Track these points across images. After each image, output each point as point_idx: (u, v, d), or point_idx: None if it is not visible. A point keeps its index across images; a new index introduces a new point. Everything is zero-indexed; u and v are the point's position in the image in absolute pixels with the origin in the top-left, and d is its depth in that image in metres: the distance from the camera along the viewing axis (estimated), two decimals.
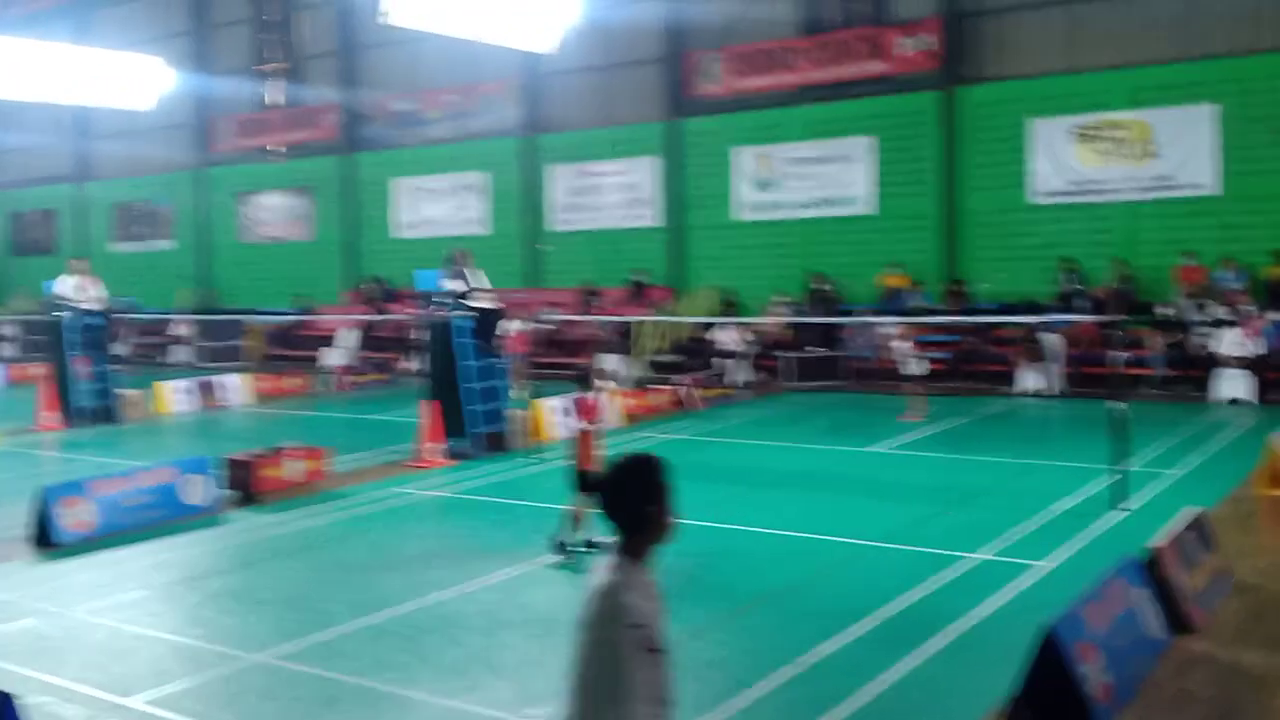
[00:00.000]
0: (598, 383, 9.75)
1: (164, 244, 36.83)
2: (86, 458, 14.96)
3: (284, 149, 33.89)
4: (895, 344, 17.89)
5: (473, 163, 29.75)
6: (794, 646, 6.86)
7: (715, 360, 22.39)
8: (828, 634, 7.06)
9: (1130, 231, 21.55)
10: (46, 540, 10.05)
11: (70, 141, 38.02)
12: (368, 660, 6.89)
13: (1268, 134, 20.11)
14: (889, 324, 21.66)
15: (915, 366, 17.46)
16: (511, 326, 21.56)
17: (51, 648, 7.27)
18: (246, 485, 11.79)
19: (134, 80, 25.87)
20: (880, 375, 22.02)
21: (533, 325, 23.73)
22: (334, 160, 32.33)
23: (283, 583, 8.75)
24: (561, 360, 24.87)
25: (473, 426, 14.27)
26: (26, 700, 5.57)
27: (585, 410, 9.42)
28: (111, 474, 11.00)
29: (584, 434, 9.31)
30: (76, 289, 18.53)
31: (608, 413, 10.12)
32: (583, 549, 9.11)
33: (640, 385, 19.48)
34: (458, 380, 14.29)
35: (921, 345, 18.73)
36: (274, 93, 33.93)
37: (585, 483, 9.16)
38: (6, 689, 5.10)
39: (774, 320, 22.89)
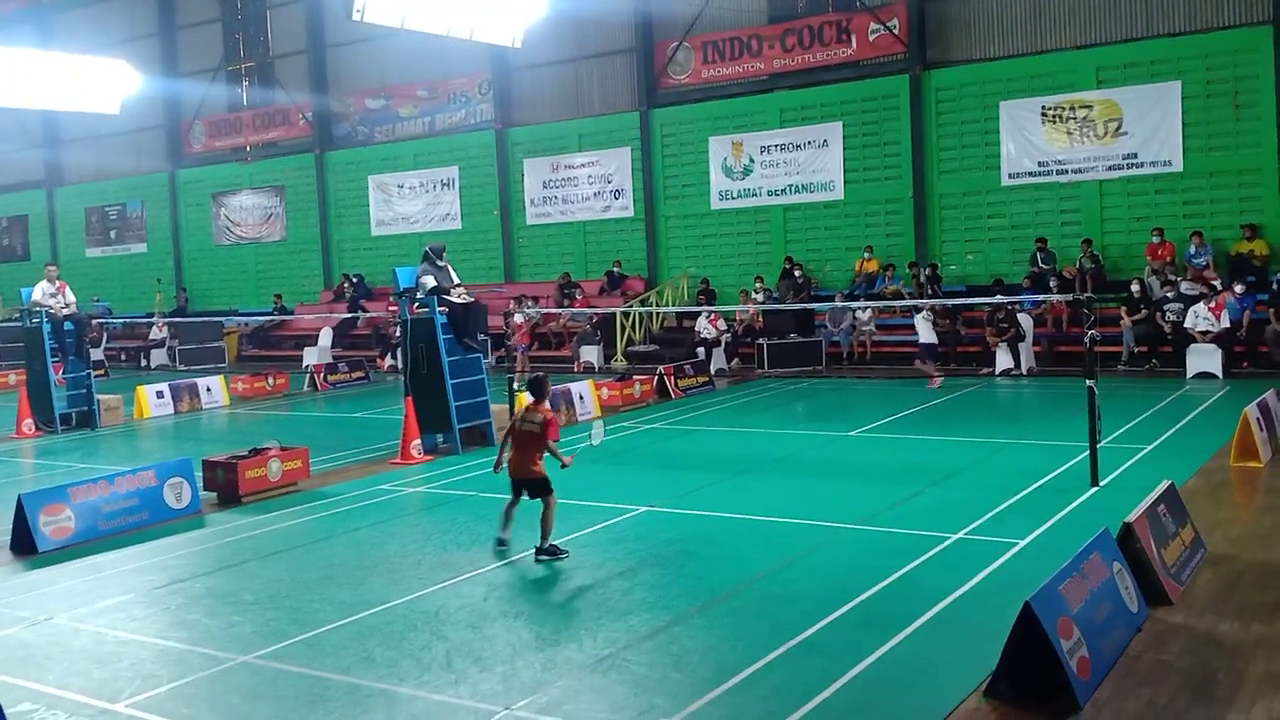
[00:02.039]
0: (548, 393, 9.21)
1: (138, 248, 36.58)
2: (66, 464, 14.89)
3: (249, 149, 33.68)
4: (917, 318, 19.07)
5: (445, 158, 29.70)
6: (777, 631, 6.93)
7: (697, 349, 22.49)
8: (810, 618, 7.13)
9: (1098, 210, 21.77)
10: (27, 547, 10.02)
11: (40, 147, 37.66)
12: (353, 657, 6.92)
13: (1231, 109, 20.35)
14: (862, 308, 21.84)
15: (926, 335, 18.42)
16: (516, 318, 21.66)
17: (35, 655, 7.26)
18: (228, 487, 11.78)
19: (100, 84, 25.67)
20: (855, 360, 22.23)
21: (533, 317, 23.83)
22: (306, 159, 32.18)
23: (266, 583, 8.76)
24: (540, 354, 24.94)
25: (454, 422, 14.28)
26: (11, 709, 5.58)
27: (554, 428, 8.93)
28: (92, 479, 10.94)
29: (543, 442, 8.85)
30: (51, 295, 18.40)
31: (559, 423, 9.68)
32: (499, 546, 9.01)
33: (619, 375, 19.52)
34: (438, 376, 14.29)
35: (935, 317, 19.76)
36: (244, 93, 33.69)
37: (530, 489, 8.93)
38: None
39: (746, 307, 23.00)
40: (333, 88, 31.46)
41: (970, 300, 19.81)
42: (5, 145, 37.69)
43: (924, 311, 18.89)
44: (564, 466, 8.95)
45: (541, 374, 9.57)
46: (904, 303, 20.46)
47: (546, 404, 9.13)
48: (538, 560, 8.76)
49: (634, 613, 7.54)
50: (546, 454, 8.92)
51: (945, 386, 18.44)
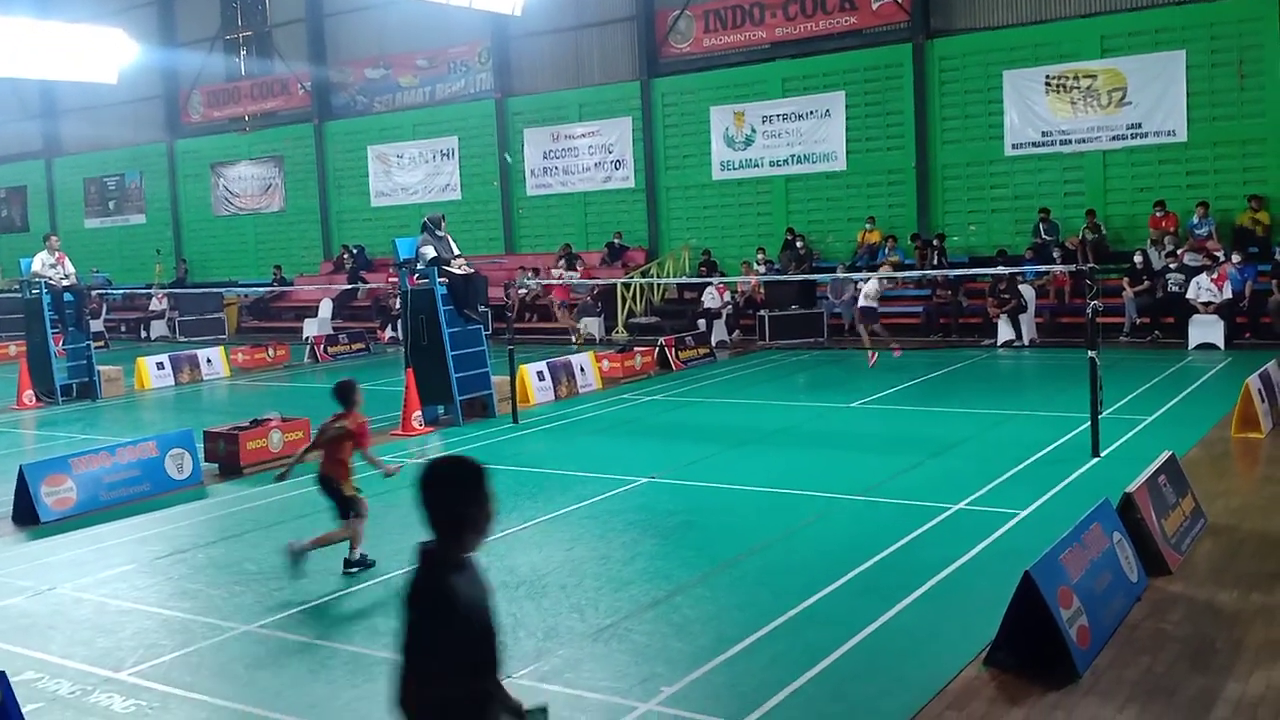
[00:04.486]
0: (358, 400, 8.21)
1: (137, 219, 36.46)
2: (67, 435, 14.90)
3: (247, 118, 33.48)
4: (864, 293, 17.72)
5: (445, 128, 29.52)
6: (778, 601, 6.95)
7: (699, 320, 22.43)
8: (811, 587, 7.15)
9: (1102, 181, 21.64)
10: (29, 518, 10.05)
11: (37, 117, 37.44)
12: (356, 627, 6.95)
13: (1236, 78, 20.19)
14: (864, 279, 21.76)
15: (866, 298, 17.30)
16: (521, 290, 21.40)
17: (38, 624, 7.29)
18: (229, 458, 11.80)
19: (97, 53, 25.50)
20: (856, 332, 22.14)
21: (532, 289, 23.78)
22: (305, 129, 32.00)
23: (268, 553, 8.77)
24: (541, 325, 24.92)
25: (455, 393, 14.28)
26: (15, 677, 5.60)
27: (365, 436, 8.15)
28: (93, 450, 10.96)
29: (349, 444, 8.07)
30: (51, 265, 18.34)
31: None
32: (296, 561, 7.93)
33: (620, 347, 19.50)
34: (438, 347, 14.27)
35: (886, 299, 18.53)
36: (242, 63, 33.45)
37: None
38: None
39: (748, 279, 22.94)
40: (331, 57, 31.23)
41: (972, 271, 19.73)
42: (2, 116, 37.47)
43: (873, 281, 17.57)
44: (388, 474, 8.15)
45: (349, 379, 8.36)
46: (908, 274, 20.38)
47: (356, 411, 8.15)
48: (345, 573, 7.99)
49: (635, 582, 7.56)
50: (361, 464, 8.14)
51: (946, 358, 18.40)
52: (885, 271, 17.60)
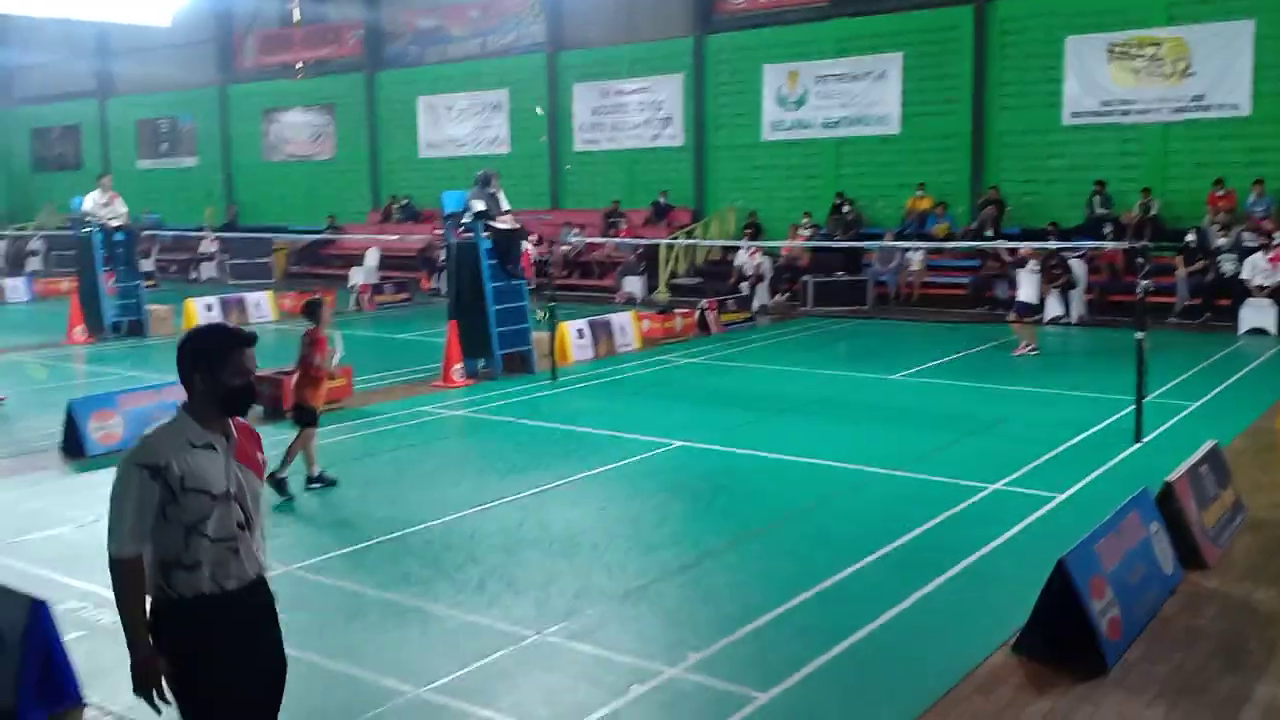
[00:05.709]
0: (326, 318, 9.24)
1: (189, 161, 36.78)
2: (116, 371, 15.18)
3: (300, 65, 33.52)
4: (1022, 271, 16.73)
5: (495, 81, 29.40)
6: (808, 572, 6.96)
7: (741, 284, 22.26)
8: (843, 560, 7.15)
9: (1161, 154, 21.13)
10: (77, 451, 10.28)
11: (92, 57, 37.74)
12: (390, 574, 7.06)
13: None
14: (914, 248, 21.49)
15: (1025, 292, 16.32)
16: (525, 246, 21.42)
17: (83, 555, 7.46)
18: (273, 402, 11.96)
19: None
20: (902, 301, 21.90)
21: (577, 245, 23.71)
22: (357, 78, 32.01)
23: (307, 498, 8.92)
24: (583, 282, 24.92)
25: (495, 347, 14.36)
26: (59, 605, 5.76)
27: (320, 349, 9.08)
28: (140, 388, 11.17)
29: (317, 371, 9.10)
30: (103, 205, 18.60)
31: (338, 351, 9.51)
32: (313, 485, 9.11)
33: (661, 308, 19.47)
34: (481, 301, 14.33)
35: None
36: (297, 8, 33.44)
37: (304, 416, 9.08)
38: (40, 596, 5.27)
39: (793, 243, 22.73)
40: (385, 6, 31.16)
41: (1024, 244, 19.39)
42: (56, 54, 37.79)
43: (1030, 263, 16.65)
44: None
45: (317, 296, 9.58)
46: (958, 245, 20.08)
47: (320, 329, 9.13)
48: (307, 488, 8.97)
49: (665, 546, 7.60)
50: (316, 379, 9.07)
51: (991, 332, 18.20)
52: (1031, 266, 16.33)
